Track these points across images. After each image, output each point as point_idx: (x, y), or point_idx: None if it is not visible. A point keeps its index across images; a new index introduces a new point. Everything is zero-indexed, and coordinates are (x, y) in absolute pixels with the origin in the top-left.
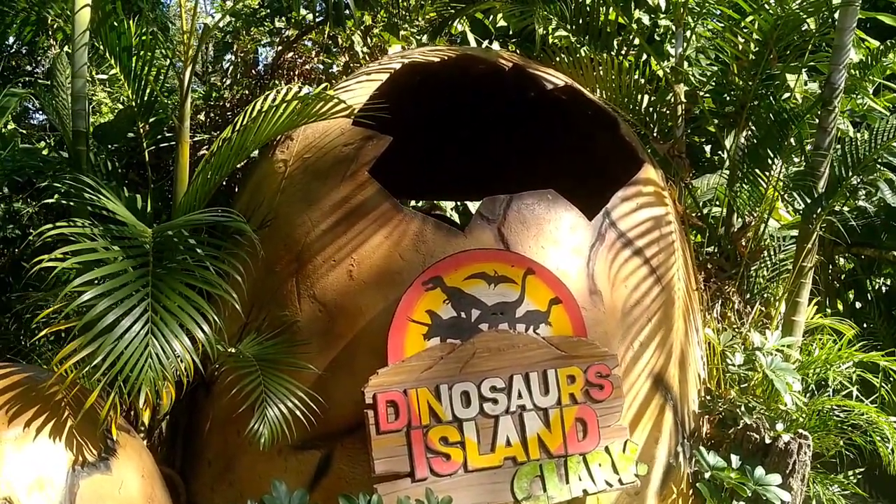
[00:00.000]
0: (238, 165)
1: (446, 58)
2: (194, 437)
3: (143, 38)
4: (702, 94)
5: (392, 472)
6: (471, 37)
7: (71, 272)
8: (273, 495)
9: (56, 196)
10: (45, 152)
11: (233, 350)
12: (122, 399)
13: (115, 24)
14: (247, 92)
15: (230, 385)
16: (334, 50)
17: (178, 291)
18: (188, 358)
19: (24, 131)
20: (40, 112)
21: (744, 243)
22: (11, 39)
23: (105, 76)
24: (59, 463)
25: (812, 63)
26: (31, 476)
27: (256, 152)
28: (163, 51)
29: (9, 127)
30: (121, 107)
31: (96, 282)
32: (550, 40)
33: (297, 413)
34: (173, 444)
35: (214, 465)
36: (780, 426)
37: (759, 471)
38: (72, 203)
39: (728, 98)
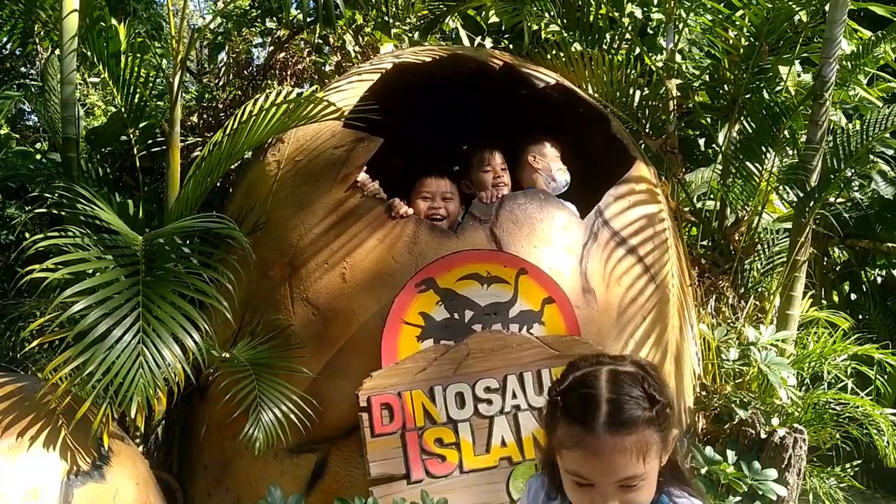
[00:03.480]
0: (231, 167)
1: (437, 57)
2: (190, 441)
3: (133, 41)
4: (695, 86)
5: (387, 474)
6: (463, 34)
7: (62, 281)
8: (268, 500)
9: (49, 203)
10: (37, 157)
11: (227, 355)
12: (115, 408)
13: (103, 29)
14: (239, 93)
15: (225, 390)
16: (326, 49)
17: (169, 300)
18: (179, 367)
19: (17, 136)
20: (36, 113)
21: (737, 237)
22: (4, 41)
23: (97, 79)
24: (52, 472)
25: (805, 54)
26: (24, 486)
27: (249, 153)
28: (154, 53)
29: (2, 132)
30: (114, 109)
31: (88, 291)
32: (543, 35)
33: (292, 417)
34: (169, 450)
35: (211, 470)
36: (775, 421)
37: (756, 466)
38: (64, 213)
39: (720, 92)
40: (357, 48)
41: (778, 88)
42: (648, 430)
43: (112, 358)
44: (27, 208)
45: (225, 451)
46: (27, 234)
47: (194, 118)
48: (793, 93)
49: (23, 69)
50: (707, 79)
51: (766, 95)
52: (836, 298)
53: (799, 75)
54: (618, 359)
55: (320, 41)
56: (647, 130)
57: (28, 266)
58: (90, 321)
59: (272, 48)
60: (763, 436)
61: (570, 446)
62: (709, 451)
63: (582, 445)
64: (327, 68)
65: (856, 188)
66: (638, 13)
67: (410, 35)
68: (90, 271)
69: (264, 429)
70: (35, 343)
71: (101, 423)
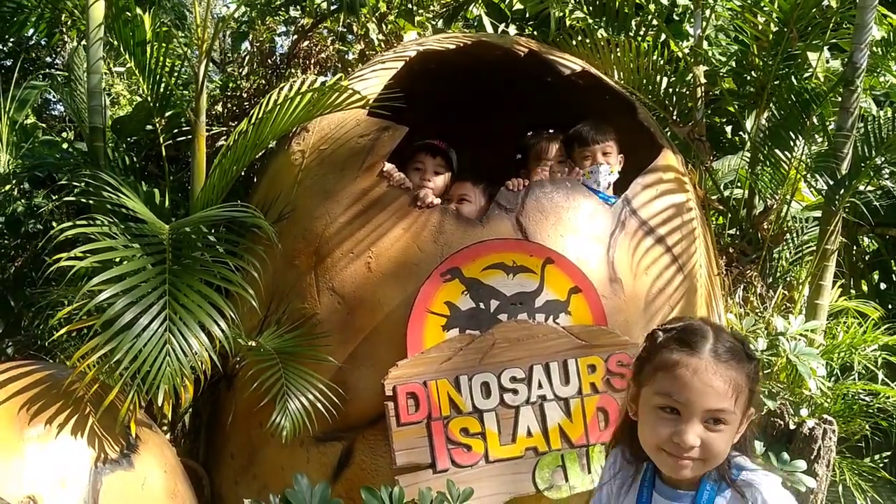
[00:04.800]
0: (256, 157)
1: (461, 45)
2: (217, 429)
3: (158, 31)
4: (722, 73)
5: (413, 463)
6: (487, 21)
7: (90, 269)
8: (295, 489)
9: (75, 192)
10: (64, 146)
11: (253, 343)
12: (142, 395)
13: (129, 18)
14: (263, 82)
15: (251, 378)
16: (350, 38)
17: (196, 288)
18: (206, 355)
19: (44, 125)
20: (62, 102)
21: (766, 226)
22: (31, 32)
23: (123, 69)
24: (81, 460)
25: (834, 40)
26: (54, 474)
27: (274, 143)
28: (179, 42)
29: (29, 121)
30: (139, 99)
31: (115, 279)
32: (568, 22)
33: (318, 405)
34: (196, 438)
35: (238, 458)
36: (804, 411)
37: (784, 457)
38: (91, 201)
39: (748, 78)
40: (381, 36)
41: (807, 75)
42: (743, 376)
43: (139, 346)
44: (54, 197)
45: (252, 439)
46: (54, 223)
47: (219, 107)
48: (822, 79)
49: (49, 59)
50: (735, 65)
51: (795, 82)
52: (865, 288)
53: (827, 62)
54: None
55: (344, 29)
56: (674, 118)
57: (55, 254)
58: (117, 309)
59: (296, 37)
60: (792, 427)
61: (669, 367)
62: None
63: (684, 364)
64: (351, 57)
65: (886, 176)
66: None
67: (434, 23)
68: (117, 260)
69: (291, 417)
70: (63, 331)
71: (128, 411)
